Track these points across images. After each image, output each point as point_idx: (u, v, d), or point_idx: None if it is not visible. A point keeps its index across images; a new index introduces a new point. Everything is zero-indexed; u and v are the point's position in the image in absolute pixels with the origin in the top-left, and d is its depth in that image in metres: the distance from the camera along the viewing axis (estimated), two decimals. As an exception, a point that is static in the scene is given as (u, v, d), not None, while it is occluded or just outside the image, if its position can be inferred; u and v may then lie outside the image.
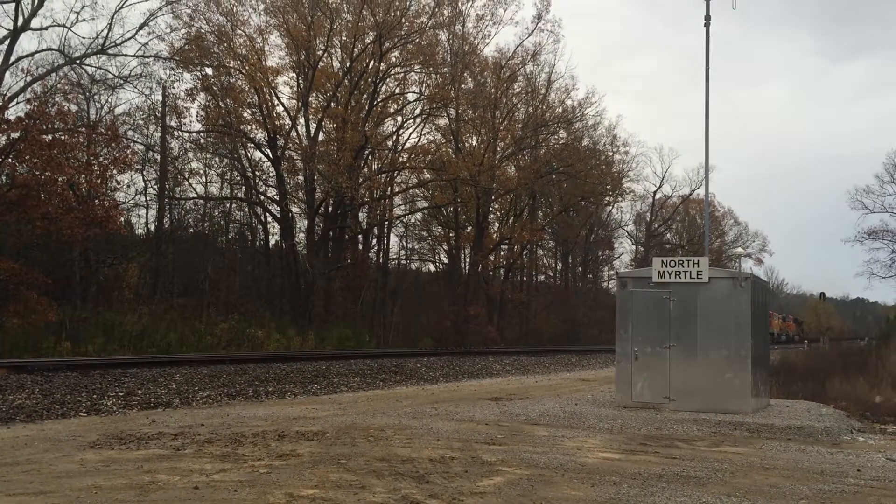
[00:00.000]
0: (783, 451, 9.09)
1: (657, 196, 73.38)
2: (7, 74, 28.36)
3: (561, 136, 52.61)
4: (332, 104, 38.62)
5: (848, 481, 7.38)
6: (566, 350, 35.69)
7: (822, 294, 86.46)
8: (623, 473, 7.29)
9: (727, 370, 12.76)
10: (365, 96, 39.82)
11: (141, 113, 34.87)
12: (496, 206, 52.46)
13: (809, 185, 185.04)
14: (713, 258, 59.95)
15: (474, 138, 48.52)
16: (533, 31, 47.14)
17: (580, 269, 68.02)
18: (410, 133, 45.41)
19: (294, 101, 39.34)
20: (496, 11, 45.41)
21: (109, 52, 30.11)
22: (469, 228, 49.44)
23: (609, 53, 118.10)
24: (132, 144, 32.53)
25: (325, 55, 38.52)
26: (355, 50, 37.95)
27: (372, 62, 38.39)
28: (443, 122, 46.85)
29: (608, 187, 57.27)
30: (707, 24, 20.42)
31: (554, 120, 50.44)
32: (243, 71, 36.61)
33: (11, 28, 27.86)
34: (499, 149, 47.83)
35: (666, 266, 13.30)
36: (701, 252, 48.04)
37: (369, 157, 42.05)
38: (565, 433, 9.93)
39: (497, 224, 53.80)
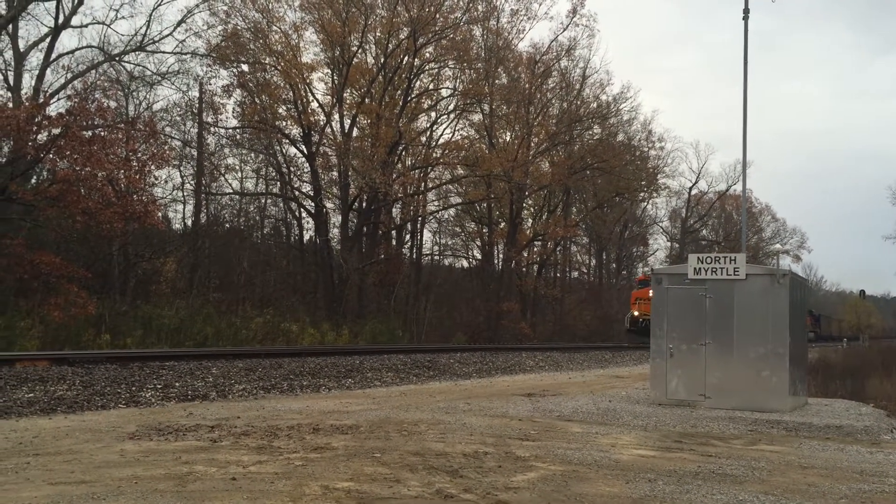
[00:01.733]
0: (821, 450, 8.97)
1: (693, 192, 72.72)
2: (48, 72, 28.91)
3: (595, 131, 52.31)
4: (367, 100, 38.76)
5: (889, 481, 7.26)
6: (600, 346, 35.65)
7: (862, 291, 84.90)
8: (658, 470, 7.25)
9: (764, 368, 12.61)
10: (399, 92, 39.92)
11: (178, 109, 35.36)
12: (530, 201, 52.32)
13: (849, 180, 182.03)
14: (750, 255, 59.16)
15: (508, 134, 48.43)
16: (568, 26, 46.93)
17: (614, 265, 67.57)
18: (444, 129, 45.53)
19: (329, 97, 39.57)
20: (531, 6, 45.27)
21: (148, 49, 30.54)
22: (502, 224, 49.36)
23: (644, 48, 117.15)
24: (170, 140, 32.97)
25: (360, 51, 38.67)
26: (389, 46, 38.05)
27: (406, 58, 38.46)
28: (477, 117, 46.86)
29: (643, 183, 56.82)
30: (745, 18, 20.14)
31: (588, 115, 50.15)
32: (279, 67, 36.89)
33: (52, 26, 28.37)
34: (533, 144, 47.68)
35: (702, 263, 13.17)
36: (738, 249, 47.38)
37: (403, 153, 42.17)
38: (599, 430, 9.89)
39: (530, 220, 53.66)
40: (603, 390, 15.77)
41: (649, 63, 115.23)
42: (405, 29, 37.68)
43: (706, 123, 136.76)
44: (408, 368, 18.88)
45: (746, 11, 20.11)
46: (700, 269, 13.11)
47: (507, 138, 48.08)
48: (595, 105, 51.04)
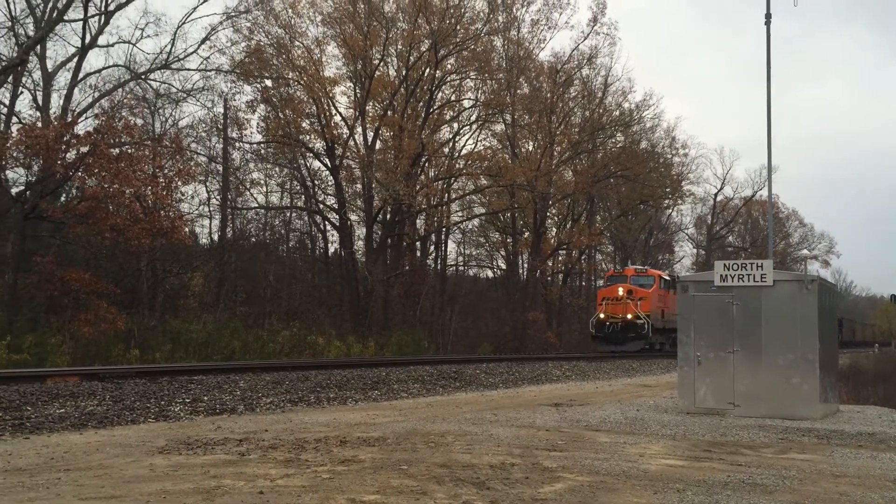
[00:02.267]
0: (854, 458, 8.84)
1: (718, 198, 72.14)
2: (76, 91, 29.40)
3: (618, 139, 52.16)
4: (389, 112, 38.96)
5: (923, 490, 7.13)
6: (627, 355, 35.29)
7: (893, 296, 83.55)
8: (687, 480, 7.19)
9: (794, 375, 12.46)
10: (421, 104, 40.09)
11: (203, 125, 35.88)
12: (553, 210, 52.21)
13: (878, 183, 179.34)
14: (777, 261, 58.47)
15: (531, 143, 48.41)
16: (588, 35, 46.89)
17: (640, 273, 67.05)
18: (467, 139, 45.64)
19: (351, 110, 39.86)
20: (551, 16, 45.27)
21: (173, 66, 31.02)
22: (527, 234, 49.29)
23: (666, 55, 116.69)
24: (195, 156, 33.45)
25: (382, 64, 38.92)
26: (411, 58, 38.24)
27: (427, 70, 38.63)
28: (499, 127, 46.93)
29: (667, 190, 56.50)
30: (768, 23, 20.01)
31: (611, 123, 50.02)
32: (302, 82, 37.22)
33: (80, 46, 28.85)
34: (555, 153, 47.62)
35: (728, 269, 13.06)
36: (765, 255, 46.88)
37: (426, 165, 42.30)
38: (627, 439, 9.82)
39: (555, 229, 53.53)
40: (630, 399, 15.66)
41: (671, 69, 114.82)
42: (426, 41, 37.88)
43: (730, 129, 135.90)
44: (434, 380, 18.88)
45: (768, 16, 19.97)
46: (727, 276, 13.00)
47: (530, 148, 48.08)
48: (617, 113, 50.91)
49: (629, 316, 36.39)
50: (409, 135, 37.63)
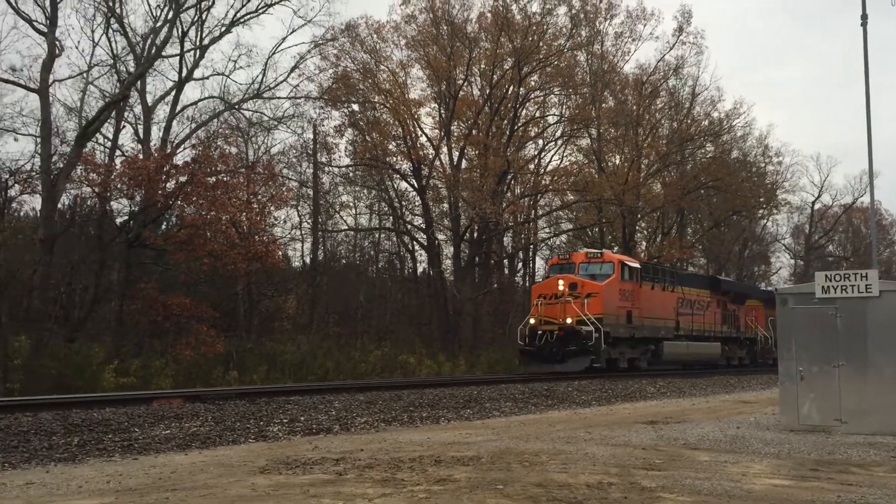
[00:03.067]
0: (975, 478, 8.35)
1: (816, 206, 69.51)
2: (174, 123, 30.69)
3: (708, 149, 50.99)
4: (474, 131, 39.19)
5: None
6: (724, 370, 34.12)
7: None
8: (794, 500, 6.93)
9: (905, 390, 11.85)
10: (505, 122, 40.18)
11: (294, 151, 36.99)
12: (643, 224, 51.35)
13: None
14: (882, 270, 55.91)
15: (617, 157, 47.81)
16: (674, 45, 46.08)
17: (735, 285, 65.18)
18: (552, 155, 45.43)
19: (437, 130, 40.28)
20: (635, 28, 44.81)
21: (264, 96, 32.02)
22: (615, 248, 48.61)
23: (755, 61, 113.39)
24: (287, 182, 34.36)
25: (465, 84, 39.21)
26: (494, 77, 38.40)
27: (511, 87, 38.72)
28: (584, 142, 46.52)
29: (761, 200, 54.84)
30: (864, 24, 19.30)
31: (700, 133, 48.97)
32: (387, 105, 37.87)
33: (177, 80, 30.13)
34: (643, 166, 46.89)
35: (830, 280, 12.56)
36: (868, 264, 44.87)
37: (512, 182, 42.30)
38: (728, 458, 9.53)
39: (644, 243, 52.60)
40: (729, 416, 15.20)
41: (761, 76, 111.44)
42: (509, 59, 37.99)
43: (826, 134, 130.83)
44: (526, 398, 18.76)
45: (864, 17, 19.27)
46: (828, 287, 12.51)
47: (617, 161, 47.47)
48: (706, 123, 49.80)
49: (569, 320, 26.02)
50: (494, 153, 37.74)
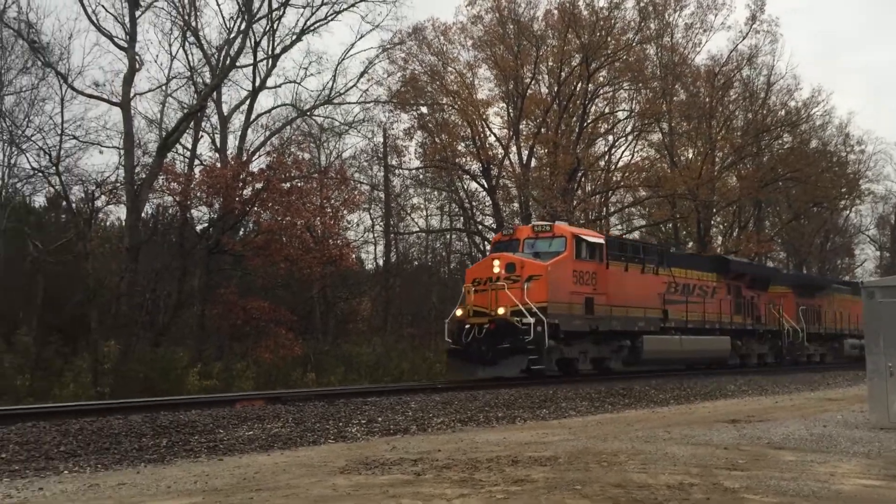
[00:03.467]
0: None
1: (902, 195, 66.79)
2: (249, 131, 31.48)
3: (785, 139, 49.57)
4: (543, 130, 39.00)
5: None
6: (806, 367, 33.00)
7: None
8: (885, 502, 6.71)
9: None
10: (574, 119, 39.87)
11: (365, 155, 37.56)
12: (718, 218, 50.28)
13: None
14: (976, 259, 53.36)
15: (690, 151, 46.93)
16: (747, 34, 44.93)
17: (817, 280, 63.21)
18: (623, 151, 44.90)
19: (505, 130, 40.25)
20: (706, 18, 43.85)
21: (335, 101, 32.65)
22: (691, 244, 47.71)
23: (833, 48, 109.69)
24: (359, 185, 34.85)
25: (533, 82, 39.07)
26: (562, 74, 38.14)
27: (580, 84, 38.41)
28: (656, 137, 45.85)
29: (843, 190, 53.01)
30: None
31: (776, 124, 47.66)
32: (456, 106, 38.03)
33: (251, 89, 30.89)
34: (717, 159, 45.90)
35: (919, 273, 12.06)
36: (960, 254, 42.85)
37: (582, 179, 41.94)
38: (814, 457, 9.28)
39: (720, 237, 51.48)
40: (814, 414, 14.77)
41: (840, 63, 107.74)
42: (577, 56, 37.68)
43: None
44: (602, 397, 18.59)
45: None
46: (917, 280, 12.04)
47: (690, 155, 46.60)
48: (783, 113, 48.43)
49: (501, 311, 20.44)
50: (563, 150, 37.49)
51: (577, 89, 38.71)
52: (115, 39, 27.13)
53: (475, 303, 21.21)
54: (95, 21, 26.75)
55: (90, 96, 27.48)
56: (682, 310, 26.29)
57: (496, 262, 21.18)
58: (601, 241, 23.37)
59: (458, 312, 21.59)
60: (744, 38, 45.22)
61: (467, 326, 21.00)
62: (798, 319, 33.57)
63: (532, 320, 20.00)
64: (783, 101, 48.78)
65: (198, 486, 7.85)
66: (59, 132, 27.88)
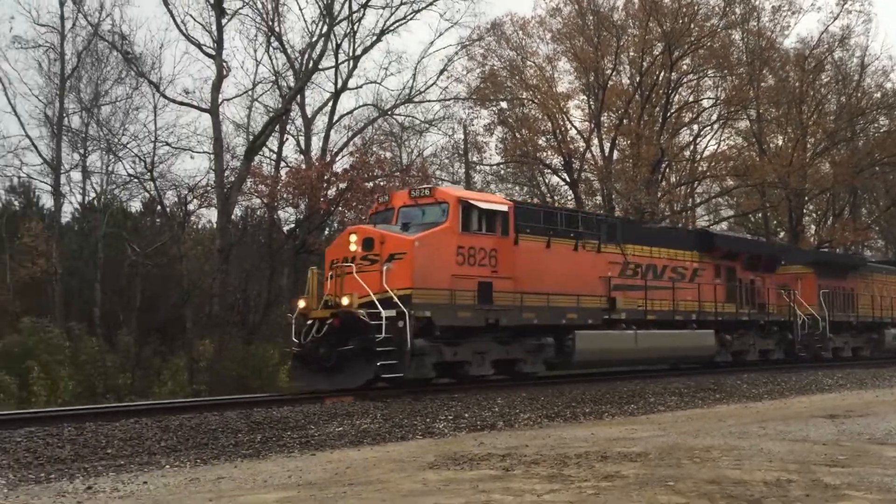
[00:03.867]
0: None
1: None
2: (332, 132, 32.09)
3: (882, 123, 47.39)
4: (625, 121, 38.42)
5: None
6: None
7: None
8: None
9: None
10: (657, 109, 39.12)
11: (446, 152, 37.78)
12: (811, 207, 48.54)
13: None
14: None
15: (780, 137, 45.39)
16: (839, 15, 43.02)
17: (920, 268, 60.35)
18: (709, 140, 43.80)
19: (586, 122, 39.82)
20: (794, 0, 42.38)
21: (415, 100, 32.94)
22: (782, 234, 46.23)
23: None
24: (441, 183, 34.99)
25: (614, 73, 38.48)
26: (644, 64, 37.47)
27: (662, 73, 37.67)
28: (743, 124, 44.53)
29: (945, 174, 50.45)
30: None
31: (871, 107, 45.62)
32: (535, 100, 37.87)
33: (333, 91, 31.45)
34: (809, 145, 44.29)
35: None
36: None
37: (667, 170, 41.14)
38: (920, 454, 8.90)
39: (814, 226, 49.71)
40: (919, 409, 14.16)
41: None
42: (659, 44, 36.96)
43: None
44: (692, 392, 18.24)
45: None
46: None
47: (780, 142, 45.07)
48: (879, 95, 46.29)
49: (345, 301, 15.62)
50: (647, 142, 36.84)
51: (660, 78, 37.95)
52: (204, 48, 28.10)
53: (328, 291, 16.31)
54: (184, 31, 27.77)
55: (181, 103, 28.55)
56: (640, 297, 20.93)
57: (353, 238, 16.28)
58: (504, 208, 17.67)
59: (301, 304, 16.74)
60: (835, 20, 43.44)
61: (308, 322, 16.33)
62: (820, 306, 27.92)
63: (392, 313, 15.32)
64: (878, 83, 46.69)
65: (292, 480, 8.07)
66: (153, 139, 29.12)
